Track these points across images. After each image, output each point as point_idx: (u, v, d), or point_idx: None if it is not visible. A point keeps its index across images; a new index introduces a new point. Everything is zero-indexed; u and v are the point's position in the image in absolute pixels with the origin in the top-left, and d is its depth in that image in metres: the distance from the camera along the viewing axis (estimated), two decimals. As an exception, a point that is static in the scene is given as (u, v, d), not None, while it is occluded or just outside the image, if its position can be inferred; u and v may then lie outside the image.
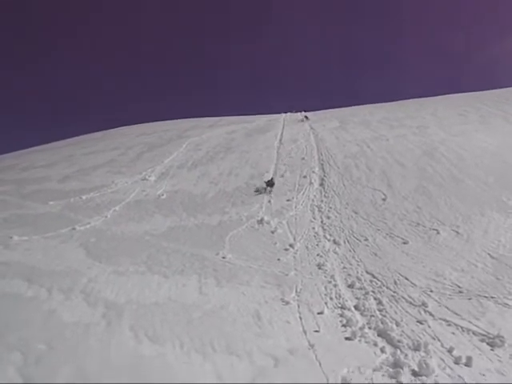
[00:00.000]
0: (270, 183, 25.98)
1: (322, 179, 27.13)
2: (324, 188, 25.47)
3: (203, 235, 19.60)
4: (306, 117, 50.77)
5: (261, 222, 20.95)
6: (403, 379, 8.74)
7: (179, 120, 63.53)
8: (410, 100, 59.31)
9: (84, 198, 26.85)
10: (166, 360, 9.22)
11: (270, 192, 25.49)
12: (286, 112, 61.03)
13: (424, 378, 8.84)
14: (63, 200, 26.33)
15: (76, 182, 31.23)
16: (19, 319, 11.09)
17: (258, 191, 26.08)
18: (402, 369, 9.12)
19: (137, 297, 12.98)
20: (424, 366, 9.13)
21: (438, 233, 18.07)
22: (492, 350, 10.13)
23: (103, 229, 20.87)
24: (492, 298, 12.73)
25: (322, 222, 20.70)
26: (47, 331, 10.36)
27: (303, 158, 32.42)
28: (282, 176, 28.77)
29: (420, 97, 60.55)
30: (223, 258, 16.80)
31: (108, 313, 11.66)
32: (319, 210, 22.19)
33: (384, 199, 22.61)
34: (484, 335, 10.76)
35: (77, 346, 9.62)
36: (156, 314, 11.71)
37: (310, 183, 26.65)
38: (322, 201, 23.58)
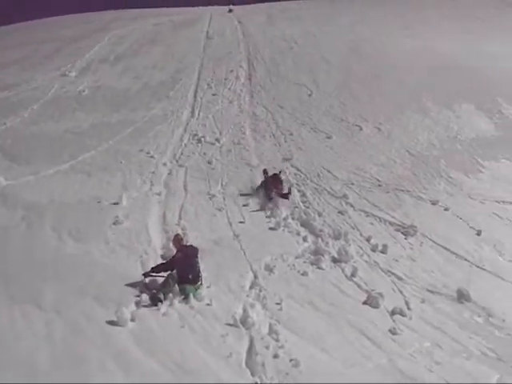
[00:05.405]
0: None
1: (249, 74, 26.63)
2: (251, 83, 25.06)
3: (127, 131, 18.91)
4: (231, 10, 49.25)
5: (187, 116, 20.65)
6: (323, 265, 9.16)
7: (101, 12, 59.08)
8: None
9: (-3, 97, 24.85)
10: (92, 257, 8.97)
11: (197, 87, 24.90)
12: (213, 5, 58.38)
13: (343, 264, 9.31)
14: (-27, 103, 24.18)
15: (-15, 83, 28.52)
16: None
17: (184, 86, 25.34)
18: (323, 256, 9.53)
19: (59, 197, 12.43)
20: (343, 253, 9.62)
21: (361, 129, 18.59)
22: (405, 238, 10.88)
23: (20, 129, 19.52)
24: (408, 191, 13.53)
25: (248, 116, 20.65)
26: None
27: (230, 52, 31.36)
28: (208, 70, 27.92)
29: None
30: (147, 153, 16.41)
31: (28, 214, 11.10)
32: (246, 105, 22.01)
33: (310, 95, 22.72)
34: (399, 225, 11.45)
35: (-5, 249, 9.16)
36: (80, 213, 11.32)
37: (237, 78, 26.09)
38: (249, 95, 23.34)
